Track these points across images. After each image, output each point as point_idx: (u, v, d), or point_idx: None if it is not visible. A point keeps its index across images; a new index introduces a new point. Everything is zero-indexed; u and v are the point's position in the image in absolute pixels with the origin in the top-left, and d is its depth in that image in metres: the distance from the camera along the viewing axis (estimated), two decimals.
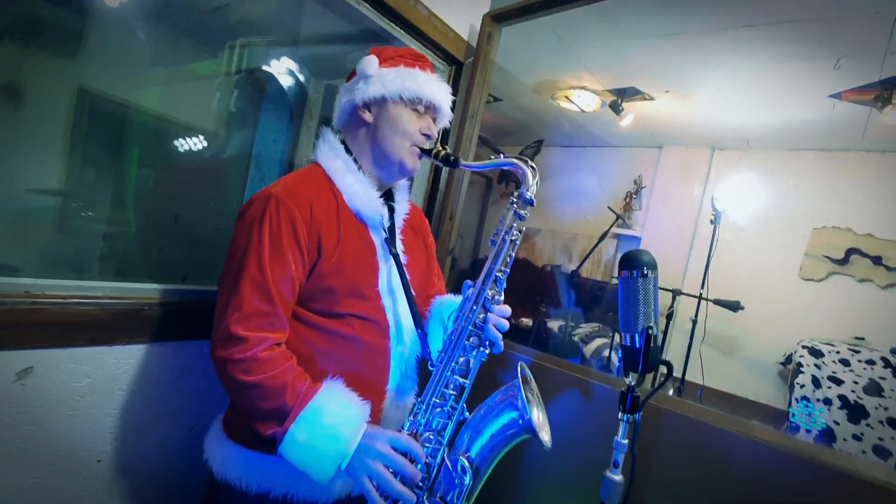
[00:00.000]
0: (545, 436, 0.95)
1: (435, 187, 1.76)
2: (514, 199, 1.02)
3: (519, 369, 0.97)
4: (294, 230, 0.93)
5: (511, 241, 1.00)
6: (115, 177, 2.53)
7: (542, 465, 1.29)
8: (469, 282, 1.03)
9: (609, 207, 3.29)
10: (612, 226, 3.25)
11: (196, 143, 2.64)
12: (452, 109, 1.13)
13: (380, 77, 1.03)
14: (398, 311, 1.06)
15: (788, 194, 3.10)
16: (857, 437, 2.41)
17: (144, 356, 1.13)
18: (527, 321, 3.36)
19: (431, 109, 1.08)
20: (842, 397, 2.48)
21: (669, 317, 3.09)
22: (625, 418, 0.97)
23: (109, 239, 2.54)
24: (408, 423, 0.95)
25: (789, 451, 1.01)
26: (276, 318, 0.92)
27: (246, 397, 0.89)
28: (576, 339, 3.12)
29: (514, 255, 1.02)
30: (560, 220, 3.91)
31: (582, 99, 2.93)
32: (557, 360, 1.39)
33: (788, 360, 2.85)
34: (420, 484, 0.92)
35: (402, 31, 1.60)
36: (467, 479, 0.90)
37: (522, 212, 1.01)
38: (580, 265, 3.34)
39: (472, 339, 0.98)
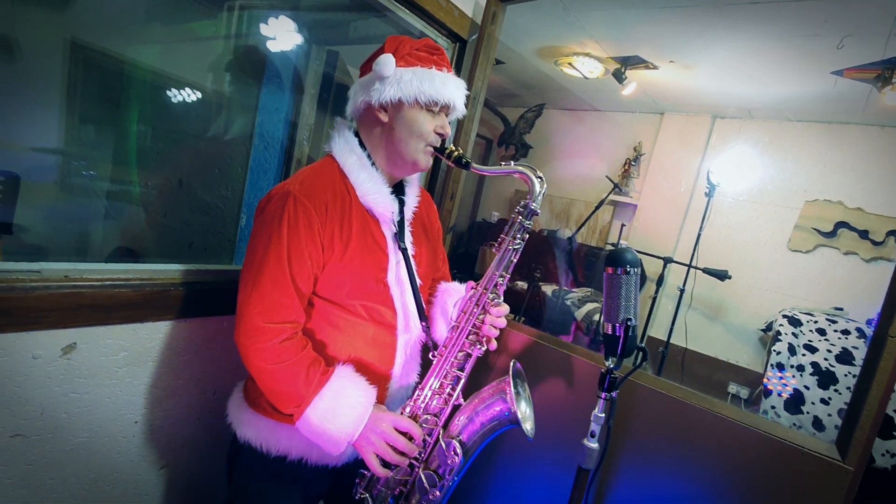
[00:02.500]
0: (529, 427, 1.08)
1: (437, 166, 1.82)
2: (521, 209, 1.11)
3: (511, 365, 1.09)
4: (311, 229, 0.99)
5: (514, 249, 1.10)
6: (115, 134, 2.55)
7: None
8: (472, 283, 1.13)
9: (606, 177, 3.34)
10: (608, 194, 3.31)
11: (198, 106, 2.64)
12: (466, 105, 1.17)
13: (396, 79, 1.04)
14: (406, 300, 1.15)
15: (786, 166, 3.14)
16: (824, 401, 2.59)
17: (172, 331, 1.24)
18: (522, 284, 3.48)
19: (446, 108, 1.11)
20: (814, 364, 2.64)
21: (659, 283, 3.21)
22: (603, 395, 1.11)
23: (114, 198, 2.59)
24: (409, 406, 1.08)
25: (746, 425, 1.15)
26: (294, 310, 1.00)
27: (266, 380, 0.99)
28: (568, 303, 3.26)
29: (515, 260, 1.11)
30: (558, 186, 3.95)
31: (585, 66, 2.91)
32: (550, 337, 1.51)
33: (769, 327, 3.01)
34: (418, 457, 1.06)
35: (406, 9, 1.61)
36: (458, 459, 1.04)
37: (527, 222, 1.10)
38: (576, 231, 3.43)
39: (470, 336, 1.09)
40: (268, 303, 0.97)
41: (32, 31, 2.20)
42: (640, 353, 1.12)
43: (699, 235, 3.01)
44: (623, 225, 3.40)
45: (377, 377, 1.09)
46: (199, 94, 2.63)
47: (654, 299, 3.27)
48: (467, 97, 1.68)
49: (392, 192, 1.12)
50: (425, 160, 1.12)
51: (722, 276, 3.04)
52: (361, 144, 1.11)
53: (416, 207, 1.21)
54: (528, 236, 1.12)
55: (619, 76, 2.90)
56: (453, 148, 1.12)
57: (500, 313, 1.12)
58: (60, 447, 1.10)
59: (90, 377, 1.11)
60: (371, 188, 1.08)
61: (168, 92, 2.62)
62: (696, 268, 3.06)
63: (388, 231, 1.12)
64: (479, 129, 4.26)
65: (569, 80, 3.28)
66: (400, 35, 1.13)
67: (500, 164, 1.13)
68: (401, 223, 1.15)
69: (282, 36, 2.44)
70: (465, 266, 3.98)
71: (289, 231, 0.98)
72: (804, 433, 1.14)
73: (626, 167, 3.55)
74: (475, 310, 1.09)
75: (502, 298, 1.13)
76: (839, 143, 2.99)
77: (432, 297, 1.28)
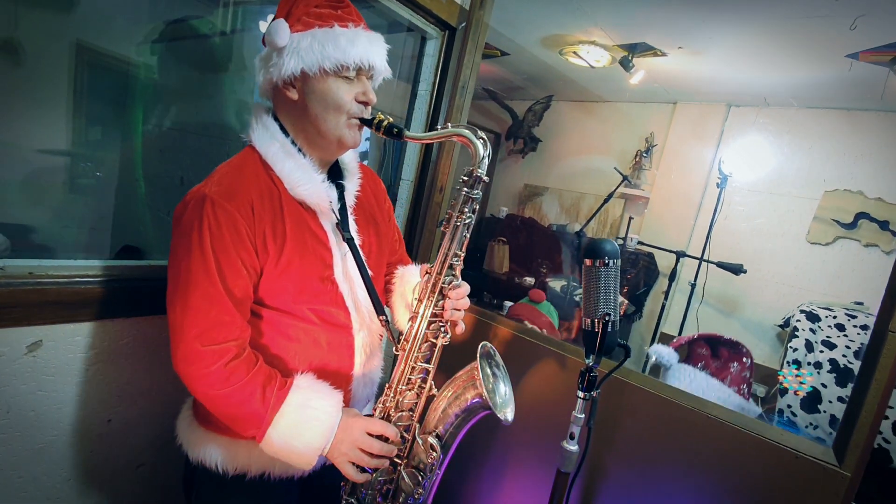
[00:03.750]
0: (507, 413, 1.02)
1: (427, 157, 1.77)
2: (465, 178, 0.97)
3: (479, 348, 1.03)
4: (238, 233, 0.87)
5: (465, 224, 0.98)
6: (121, 135, 2.57)
7: (508, 430, 1.38)
8: (426, 266, 1.05)
9: (615, 168, 3.24)
10: (618, 186, 3.21)
11: (196, 103, 2.65)
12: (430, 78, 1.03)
13: (294, 47, 0.89)
14: (357, 296, 1.05)
15: (804, 155, 2.99)
16: (842, 400, 2.46)
17: (144, 328, 1.23)
18: (530, 280, 3.41)
19: (365, 71, 0.95)
20: (832, 361, 2.51)
21: (672, 278, 3.11)
22: (582, 394, 1.04)
23: (120, 198, 2.62)
24: (380, 405, 1.01)
25: (737, 427, 1.08)
26: (235, 326, 0.89)
27: (219, 406, 0.89)
28: (577, 298, 3.18)
29: (468, 235, 1.01)
30: (567, 180, 3.86)
31: (591, 54, 2.82)
32: (534, 332, 1.45)
33: (786, 323, 2.87)
34: (398, 456, 1.01)
35: None
36: (436, 455, 0.99)
37: (475, 192, 0.98)
38: (585, 225, 3.34)
39: (432, 326, 1.02)
40: (203, 323, 0.86)
41: (38, 33, 2.22)
42: (623, 351, 1.06)
43: (711, 228, 2.90)
44: (631, 218, 3.30)
45: (338, 380, 1.02)
46: (198, 91, 2.64)
47: (667, 294, 3.16)
48: (453, 84, 1.63)
49: (327, 178, 1.01)
50: (351, 135, 0.97)
51: (736, 270, 2.92)
52: (283, 130, 0.97)
53: (357, 191, 1.09)
54: (476, 207, 0.99)
55: (626, 64, 2.80)
56: (382, 116, 0.97)
57: (459, 295, 1.03)
58: (29, 446, 1.09)
59: (58, 375, 1.10)
60: (301, 178, 0.94)
61: (171, 91, 2.64)
62: (709, 262, 2.95)
63: (329, 223, 1.01)
64: (487, 123, 4.22)
65: (575, 70, 3.19)
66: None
67: (437, 128, 1.01)
68: (342, 211, 1.03)
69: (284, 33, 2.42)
70: (473, 262, 3.93)
71: (212, 240, 0.86)
72: (800, 435, 1.06)
73: (637, 159, 3.44)
74: (432, 296, 1.00)
75: (460, 279, 1.04)
76: (858, 130, 2.84)
77: (390, 284, 1.19)
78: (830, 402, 2.42)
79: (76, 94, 2.38)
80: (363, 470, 0.95)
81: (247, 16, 2.49)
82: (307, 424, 0.90)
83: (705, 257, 2.93)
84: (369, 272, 1.06)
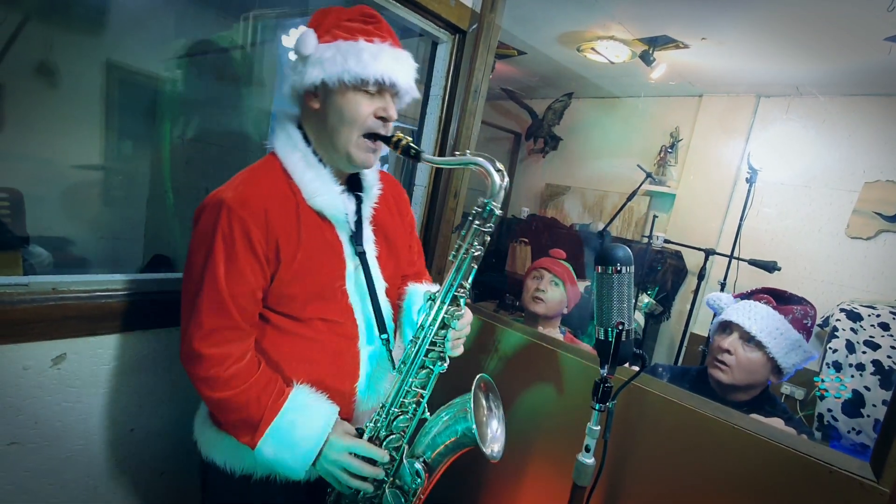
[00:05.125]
0: (494, 448, 1.01)
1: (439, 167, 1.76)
2: (478, 209, 0.95)
3: (475, 382, 1.01)
4: (249, 241, 0.88)
5: (473, 256, 0.97)
6: (151, 149, 2.66)
7: (524, 440, 1.35)
8: (427, 292, 1.03)
9: (638, 165, 3.16)
10: (641, 183, 3.13)
11: (221, 116, 2.72)
12: (446, 87, 1.03)
13: (318, 58, 0.90)
14: (367, 309, 1.05)
15: (841, 145, 2.85)
16: (887, 403, 2.32)
17: (163, 339, 1.25)
18: None
19: (388, 87, 0.94)
20: (876, 362, 2.38)
21: (701, 276, 3.01)
22: (597, 406, 1.01)
23: (151, 210, 2.72)
24: (368, 428, 0.99)
25: (766, 439, 1.02)
26: (237, 331, 0.91)
27: (215, 409, 0.93)
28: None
29: (476, 267, 0.98)
30: (590, 178, 3.78)
31: (610, 50, 2.75)
32: (546, 336, 1.42)
33: (825, 322, 2.74)
34: (385, 475, 0.99)
35: (398, 3, 1.56)
36: (420, 481, 0.99)
37: (487, 226, 0.96)
38: (608, 224, 3.26)
39: (430, 354, 1.00)
40: (206, 328, 0.88)
41: (71, 56, 2.33)
42: (639, 361, 1.02)
43: (740, 225, 2.80)
44: (655, 216, 3.20)
45: (341, 394, 1.02)
46: (222, 105, 2.71)
47: (696, 294, 3.06)
48: (465, 89, 1.60)
49: (346, 190, 1.01)
50: (360, 155, 0.96)
51: (770, 267, 2.80)
52: (306, 138, 0.98)
53: (376, 203, 1.08)
54: (487, 240, 0.97)
55: (647, 59, 2.72)
56: (400, 136, 0.96)
57: (462, 325, 1.02)
58: (57, 454, 1.13)
59: (82, 386, 1.14)
60: (319, 188, 0.95)
61: (195, 104, 2.71)
62: (741, 259, 2.84)
63: (344, 234, 1.01)
64: (506, 123, 4.19)
65: (594, 67, 3.12)
66: (333, 7, 0.96)
67: (455, 154, 0.99)
68: (358, 223, 1.03)
69: (293, 43, 2.46)
70: (495, 264, 3.89)
71: (224, 247, 0.87)
72: (833, 451, 0.99)
73: (662, 154, 3.35)
74: (431, 325, 0.99)
75: (463, 309, 1.01)
76: None
77: (400, 301, 1.17)
78: (875, 405, 2.29)
79: (108, 110, 2.48)
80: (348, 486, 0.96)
81: (266, 30, 2.54)
82: (298, 437, 0.91)
83: (736, 255, 2.82)
84: (383, 285, 1.06)
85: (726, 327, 1.44)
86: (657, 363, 1.70)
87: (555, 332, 1.85)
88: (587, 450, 1.02)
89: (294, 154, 0.96)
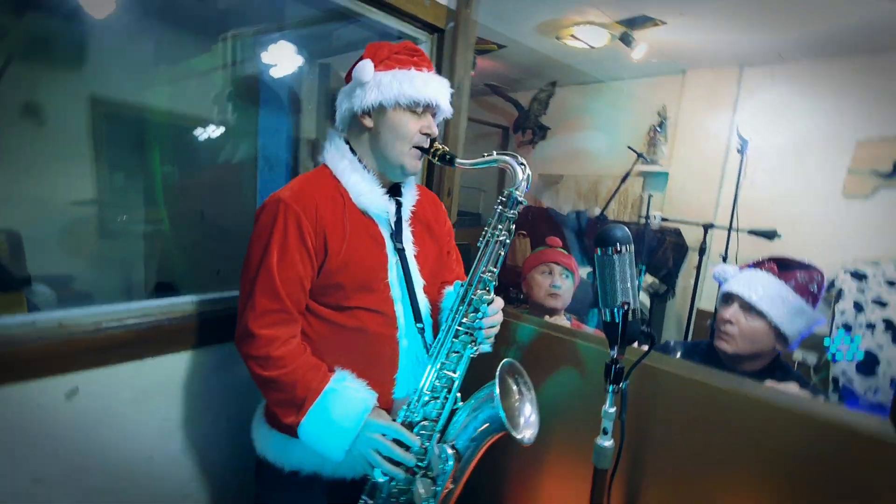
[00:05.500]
0: (525, 434, 1.02)
1: (430, 166, 1.77)
2: (503, 199, 1.05)
3: (499, 366, 1.03)
4: (300, 232, 1.01)
5: (499, 241, 1.05)
6: (142, 178, 2.67)
7: (543, 431, 1.35)
8: (460, 282, 1.10)
9: (629, 147, 3.16)
10: (633, 165, 3.13)
11: (208, 138, 2.73)
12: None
13: (376, 83, 1.06)
14: (406, 303, 1.13)
15: (829, 106, 2.84)
16: None
17: (176, 364, 1.26)
18: None
19: (431, 107, 1.11)
20: (887, 321, 2.38)
21: (702, 252, 3.01)
22: (610, 388, 1.01)
23: (149, 238, 2.73)
24: (402, 413, 1.05)
25: (780, 407, 1.02)
26: (286, 314, 1.02)
27: (264, 388, 1.04)
28: None
29: (504, 253, 1.07)
30: (582, 164, 3.78)
31: (589, 35, 2.76)
32: (556, 325, 1.42)
33: (831, 285, 2.73)
34: (419, 464, 1.03)
35: (374, 8, 1.56)
36: (449, 465, 1.00)
37: (511, 213, 1.05)
38: (604, 208, 3.27)
39: (461, 336, 1.05)
40: (258, 309, 1.00)
41: (56, 93, 2.34)
42: (648, 339, 1.02)
43: (736, 196, 2.80)
44: (650, 196, 3.20)
45: (381, 383, 1.08)
46: (208, 127, 2.71)
47: (699, 269, 3.06)
48: (458, 86, 1.62)
49: (387, 194, 1.13)
50: (412, 164, 1.12)
51: (770, 235, 2.81)
52: (352, 151, 1.13)
53: (413, 207, 1.20)
54: (513, 227, 1.07)
55: (626, 40, 2.73)
56: (438, 146, 1.11)
57: (490, 311, 1.08)
58: (80, 486, 1.14)
59: (97, 418, 1.14)
60: (364, 189, 1.09)
61: (182, 129, 2.72)
62: (739, 230, 2.84)
63: (386, 231, 1.13)
64: (493, 118, 4.19)
65: (576, 54, 3.12)
66: (379, 41, 1.12)
67: (483, 156, 1.08)
68: (398, 224, 1.15)
69: (283, 59, 2.47)
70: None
71: (280, 238, 1.00)
72: (850, 412, 0.99)
73: (652, 134, 3.35)
74: (460, 307, 1.06)
75: (492, 294, 1.08)
76: (889, 72, 2.67)
77: (438, 302, 1.24)
78: (890, 363, 2.29)
79: (96, 145, 2.50)
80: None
81: (245, 48, 2.55)
82: (334, 423, 0.99)
83: (735, 226, 2.82)
84: (421, 281, 1.16)
85: (728, 298, 1.44)
86: (668, 340, 1.70)
87: (561, 319, 1.85)
88: (605, 432, 1.03)
89: (342, 162, 1.10)
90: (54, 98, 2.35)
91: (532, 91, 3.83)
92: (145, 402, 1.22)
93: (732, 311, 1.41)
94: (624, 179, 3.15)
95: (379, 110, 1.08)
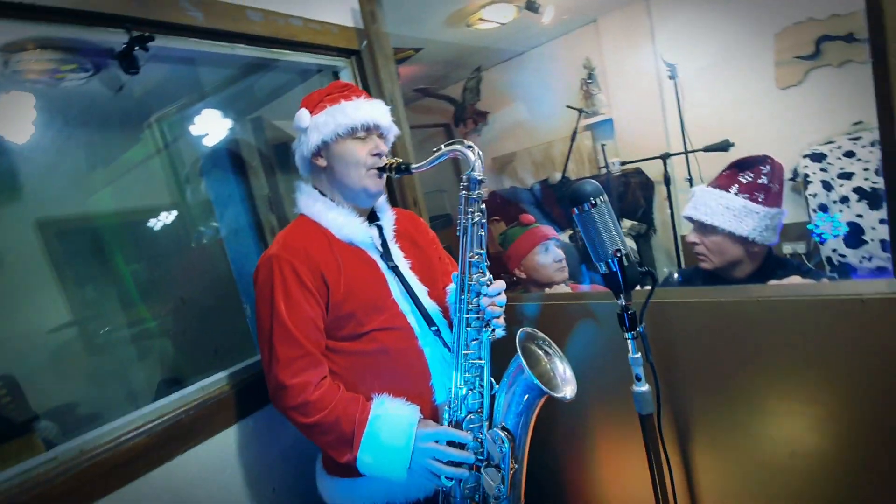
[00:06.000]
0: (566, 391, 1.03)
1: (389, 183, 1.77)
2: (464, 184, 1.08)
3: (517, 337, 1.04)
4: (299, 277, 1.06)
5: (475, 223, 1.07)
6: (112, 284, 2.61)
7: (580, 399, 1.36)
8: (455, 273, 1.12)
9: (568, 106, 3.21)
10: (577, 121, 3.18)
11: (165, 225, 2.68)
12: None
13: (315, 126, 1.14)
14: (416, 312, 1.17)
15: (739, 10, 2.93)
16: (884, 221, 2.40)
17: (201, 455, 1.23)
18: None
19: (373, 129, 1.17)
20: (857, 189, 2.46)
21: (668, 182, 3.07)
22: (629, 335, 1.03)
23: (138, 340, 2.66)
24: (446, 416, 1.08)
25: (790, 298, 1.05)
26: (310, 358, 1.06)
27: (311, 434, 1.06)
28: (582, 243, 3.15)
29: (484, 233, 1.08)
30: (529, 136, 3.83)
31: (496, 13, 2.80)
32: (558, 294, 1.44)
33: (794, 174, 2.82)
34: (478, 457, 1.06)
35: (285, 50, 1.56)
36: (506, 447, 1.02)
37: (476, 193, 1.07)
38: (564, 170, 3.31)
39: (473, 324, 1.07)
40: (284, 361, 1.04)
41: (1, 228, 2.28)
42: (649, 278, 1.04)
43: (682, 120, 2.87)
44: (603, 145, 3.26)
45: (418, 393, 1.11)
46: (161, 214, 2.67)
47: (670, 199, 3.12)
48: (382, 99, 1.63)
49: (366, 221, 1.19)
50: (373, 183, 1.17)
51: (724, 147, 2.88)
52: (322, 193, 1.20)
53: (394, 226, 1.26)
54: (484, 207, 1.09)
55: (532, 7, 2.77)
56: (390, 160, 1.16)
57: (494, 291, 1.10)
58: None
59: None
60: (343, 222, 1.15)
61: (136, 225, 2.67)
62: (695, 151, 2.91)
63: (375, 255, 1.18)
64: (432, 120, 4.21)
65: (490, 35, 3.16)
66: (302, 79, 1.28)
67: (433, 152, 1.10)
68: (384, 245, 1.20)
69: (212, 127, 2.44)
70: None
71: (282, 289, 1.05)
72: (856, 281, 1.02)
73: (585, 88, 3.41)
74: (462, 296, 1.08)
75: (488, 274, 1.10)
76: None
77: (444, 301, 1.28)
78: (873, 228, 2.36)
79: (56, 266, 2.43)
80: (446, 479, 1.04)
81: (174, 127, 2.51)
82: (389, 440, 1.02)
83: (689, 149, 2.89)
84: (424, 289, 1.20)
85: (690, 223, 1.50)
86: (668, 273, 1.73)
87: (560, 288, 1.86)
88: (638, 379, 1.04)
89: (316, 205, 1.17)
90: (1, 234, 2.29)
91: (461, 82, 3.87)
92: (189, 500, 1.19)
93: (693, 235, 1.48)
94: (573, 138, 3.20)
95: (325, 148, 1.15)
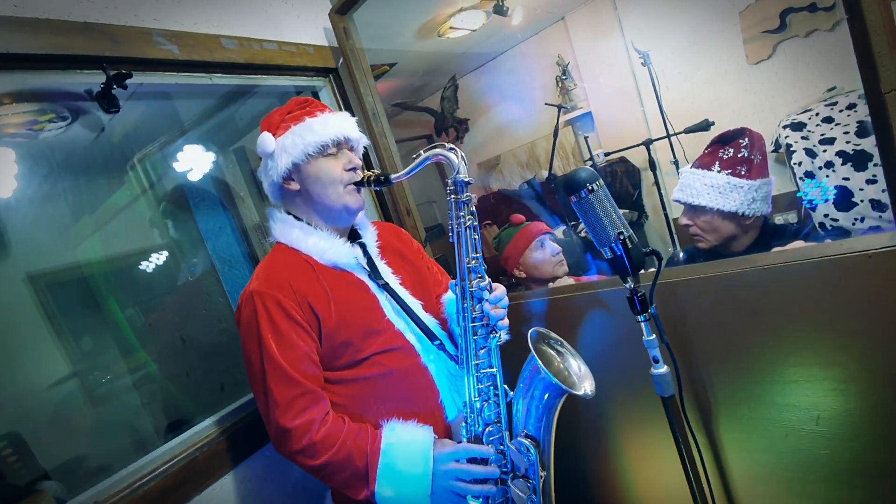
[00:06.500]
0: (586, 387, 1.01)
1: (380, 195, 1.76)
2: (451, 187, 1.04)
3: (528, 337, 1.01)
4: (285, 311, 0.99)
5: (468, 227, 1.03)
6: (109, 332, 2.57)
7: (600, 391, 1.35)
8: (453, 282, 1.09)
9: (546, 103, 3.24)
10: (558, 118, 3.20)
11: (157, 266, 2.65)
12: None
13: (281, 148, 1.07)
14: (414, 328, 1.12)
15: None
16: (870, 181, 2.43)
17: (218, 492, 1.20)
18: None
19: (344, 143, 1.12)
20: (840, 153, 2.48)
21: (653, 167, 3.09)
22: (641, 318, 1.02)
23: (141, 386, 2.61)
24: (464, 432, 1.03)
25: (796, 262, 1.05)
26: (310, 394, 0.99)
27: (323, 476, 0.99)
28: (583, 234, 3.15)
29: (478, 237, 1.05)
30: (512, 138, 3.85)
31: (465, 21, 2.82)
32: (563, 287, 1.43)
33: (777, 146, 2.85)
34: (503, 470, 1.01)
35: (263, 75, 1.56)
36: (532, 456, 0.97)
37: (463, 197, 1.03)
38: (550, 168, 3.33)
39: (479, 331, 1.03)
40: (283, 403, 0.97)
41: None
42: (655, 258, 1.04)
43: (660, 105, 2.90)
44: (586, 137, 3.28)
45: (429, 413, 1.07)
46: (152, 256, 2.64)
47: (658, 184, 3.14)
48: (364, 116, 1.63)
49: (348, 241, 1.14)
50: (353, 200, 1.12)
51: (705, 126, 2.90)
52: (297, 218, 1.13)
53: (378, 242, 1.21)
54: (474, 209, 1.06)
55: (500, 11, 2.80)
56: (367, 173, 1.12)
57: (497, 297, 1.07)
58: None
59: None
60: (326, 246, 1.09)
61: (128, 269, 2.63)
62: (676, 134, 2.93)
63: (363, 275, 1.12)
64: (414, 132, 4.22)
65: (462, 42, 3.19)
66: (272, 110, 1.14)
67: (413, 160, 1.07)
68: (371, 263, 1.15)
69: (195, 162, 2.43)
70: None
71: (269, 326, 0.98)
72: (860, 237, 1.02)
73: (560, 84, 3.44)
74: (465, 304, 1.05)
75: (487, 279, 1.07)
76: None
77: (441, 313, 1.24)
78: (861, 189, 2.38)
79: (51, 319, 2.39)
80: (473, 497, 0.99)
81: (157, 165, 2.50)
82: (406, 468, 0.97)
83: (671, 132, 2.92)
84: (419, 304, 1.15)
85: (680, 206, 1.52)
86: (672, 251, 1.73)
87: (563, 281, 1.86)
88: (655, 361, 1.03)
89: (293, 231, 1.10)
90: None
91: (438, 92, 3.89)
92: None
93: (684, 216, 1.50)
94: (555, 134, 3.22)
95: (296, 170, 1.09)
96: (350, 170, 1.11)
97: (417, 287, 1.20)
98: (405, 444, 0.99)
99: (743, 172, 1.41)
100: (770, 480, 1.19)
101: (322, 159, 1.09)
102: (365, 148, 1.23)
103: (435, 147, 1.03)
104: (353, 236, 1.19)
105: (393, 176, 1.08)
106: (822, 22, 2.81)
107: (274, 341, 0.98)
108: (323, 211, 1.12)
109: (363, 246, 1.17)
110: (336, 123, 1.10)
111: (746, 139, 1.45)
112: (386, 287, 1.12)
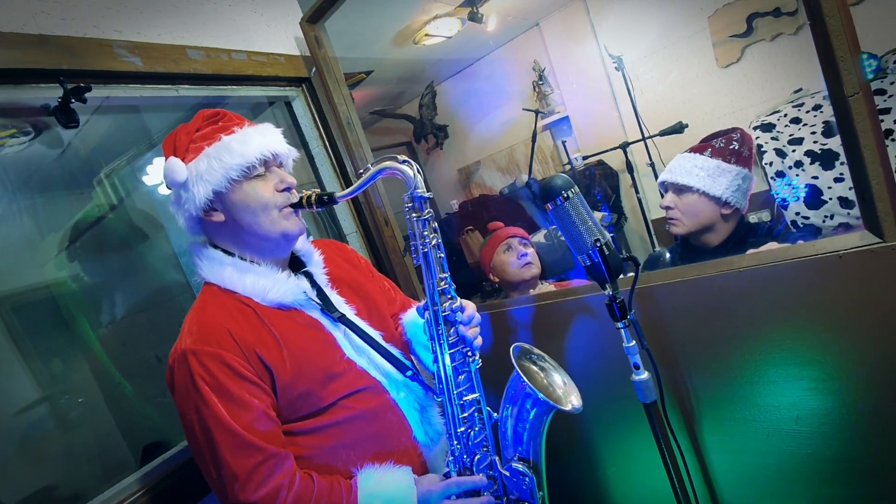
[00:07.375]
0: (573, 401, 0.99)
1: (357, 202, 1.74)
2: (408, 204, 0.95)
3: (511, 353, 0.99)
4: (231, 369, 0.85)
5: (433, 245, 0.95)
6: (80, 353, 2.48)
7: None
8: (419, 306, 1.01)
9: (524, 108, 3.25)
10: (536, 123, 3.22)
11: (132, 281, 2.57)
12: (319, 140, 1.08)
13: (196, 176, 0.91)
14: (378, 362, 1.02)
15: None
16: (838, 180, 2.50)
17: None
18: None
19: (272, 161, 0.96)
20: (809, 153, 2.55)
21: (630, 169, 3.13)
22: (621, 325, 1.02)
23: (115, 408, 2.52)
24: (452, 465, 0.97)
25: (772, 263, 1.06)
26: (273, 459, 0.86)
27: None
28: (563, 238, 3.16)
29: (444, 255, 0.97)
30: (491, 143, 3.86)
31: (441, 28, 2.82)
32: (545, 294, 1.42)
33: None
34: (498, 498, 0.97)
35: (233, 86, 1.52)
36: (528, 480, 0.95)
37: (425, 214, 0.95)
38: (530, 172, 3.34)
39: (456, 357, 0.98)
40: (243, 475, 0.83)
41: None
42: (632, 264, 1.04)
43: (635, 108, 2.94)
44: (564, 142, 3.31)
45: (403, 451, 0.98)
46: (124, 270, 2.56)
47: (635, 185, 3.18)
48: (338, 126, 1.59)
49: (291, 274, 1.00)
50: (292, 225, 0.97)
51: (679, 129, 2.95)
52: (228, 252, 0.97)
53: (325, 268, 1.07)
54: (436, 225, 0.97)
55: (475, 18, 2.81)
56: (307, 193, 0.96)
57: (468, 318, 1.00)
58: None
59: None
60: (266, 285, 0.93)
61: (98, 287, 2.55)
62: (652, 136, 2.97)
63: (315, 311, 0.99)
64: (394, 139, 4.20)
65: (439, 49, 3.19)
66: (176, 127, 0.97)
67: (359, 175, 0.96)
68: (321, 294, 1.01)
69: (158, 176, 2.37)
70: (456, 264, 3.88)
71: (217, 391, 0.84)
72: (832, 238, 1.04)
73: (537, 89, 3.46)
74: (439, 329, 0.97)
75: (458, 299, 0.99)
76: None
77: (403, 337, 1.16)
78: (830, 187, 2.44)
79: (17, 342, 2.29)
80: None
81: (125, 180, 2.43)
82: None
83: (647, 135, 2.96)
84: (380, 334, 1.04)
85: (663, 189, 1.55)
86: (650, 254, 1.75)
87: (545, 287, 1.85)
88: (636, 367, 1.03)
89: (224, 270, 0.94)
90: None
91: (416, 99, 3.88)
92: None
93: (668, 198, 1.52)
94: (534, 139, 3.23)
95: (218, 199, 0.92)
96: (283, 190, 0.95)
97: (374, 315, 1.08)
98: (385, 492, 0.89)
99: (732, 160, 1.45)
100: (755, 481, 1.19)
101: (248, 183, 0.92)
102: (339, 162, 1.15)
103: (385, 160, 0.92)
104: (296, 265, 1.04)
105: (338, 195, 0.95)
106: (787, 26, 2.89)
107: (224, 406, 0.83)
108: (256, 242, 0.96)
109: (309, 276, 1.03)
110: (259, 140, 0.93)
111: (738, 134, 1.52)
112: (342, 320, 0.99)
